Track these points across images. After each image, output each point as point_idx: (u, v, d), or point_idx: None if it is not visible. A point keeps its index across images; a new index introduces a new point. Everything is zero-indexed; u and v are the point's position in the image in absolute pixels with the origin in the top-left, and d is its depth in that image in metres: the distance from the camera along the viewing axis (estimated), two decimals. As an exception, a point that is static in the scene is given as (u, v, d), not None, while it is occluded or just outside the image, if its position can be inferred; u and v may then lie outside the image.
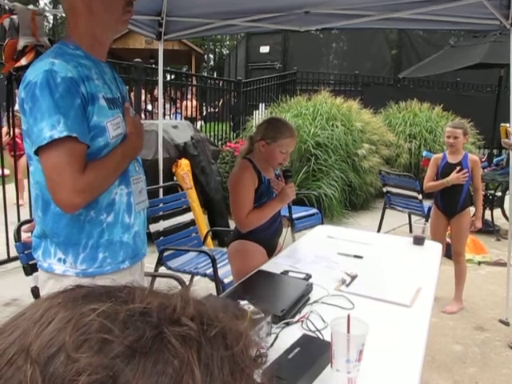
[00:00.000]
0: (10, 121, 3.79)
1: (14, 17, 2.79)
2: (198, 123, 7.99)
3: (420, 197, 4.92)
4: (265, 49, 13.31)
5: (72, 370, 0.29)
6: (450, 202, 3.58)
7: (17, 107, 4.44)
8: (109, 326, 0.32)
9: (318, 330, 1.49)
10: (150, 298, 0.36)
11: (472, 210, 3.65)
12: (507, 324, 3.41)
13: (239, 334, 0.37)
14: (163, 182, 4.23)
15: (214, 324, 0.35)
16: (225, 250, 3.65)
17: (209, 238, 4.23)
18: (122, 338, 0.31)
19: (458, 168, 3.51)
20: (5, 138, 4.63)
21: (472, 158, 3.58)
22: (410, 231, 5.48)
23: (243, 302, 1.49)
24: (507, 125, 3.14)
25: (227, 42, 28.25)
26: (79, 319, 0.32)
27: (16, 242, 2.13)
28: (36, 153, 1.33)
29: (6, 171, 4.89)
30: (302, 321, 1.56)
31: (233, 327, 0.37)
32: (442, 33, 12.04)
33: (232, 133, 8.26)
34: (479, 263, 4.72)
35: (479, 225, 3.62)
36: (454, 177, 3.49)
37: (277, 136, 2.21)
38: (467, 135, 3.60)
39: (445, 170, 3.58)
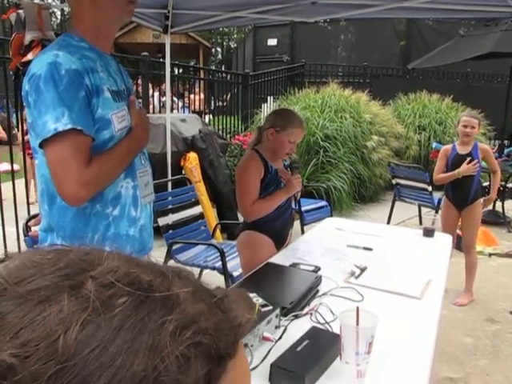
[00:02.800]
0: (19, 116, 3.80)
1: (21, 11, 2.79)
2: (207, 117, 7.97)
3: (430, 188, 4.88)
4: (272, 41, 13.23)
5: None
6: (462, 193, 3.55)
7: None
8: (15, 275, 0.34)
9: (326, 323, 1.48)
10: (91, 257, 0.36)
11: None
12: (519, 316, 3.39)
13: (169, 308, 0.34)
14: (171, 176, 4.23)
15: (128, 291, 0.33)
16: (234, 243, 3.65)
17: (218, 232, 4.22)
18: (19, 287, 0.33)
19: (468, 159, 3.46)
20: (26, 137, 4.67)
21: (482, 148, 3.55)
22: (420, 223, 5.45)
23: (252, 295, 1.49)
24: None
25: (235, 36, 28.12)
26: None
27: (25, 236, 2.13)
28: (41, 146, 1.33)
29: (16, 167, 4.91)
30: (311, 313, 1.55)
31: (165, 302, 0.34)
32: (451, 23, 11.87)
33: (241, 126, 8.24)
34: (490, 255, 4.67)
35: (489, 205, 3.77)
36: (464, 168, 3.45)
37: (286, 125, 2.21)
38: (480, 126, 3.59)
39: (455, 161, 3.53)
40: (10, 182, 4.00)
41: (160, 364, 0.31)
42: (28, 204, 4.10)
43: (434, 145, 6.69)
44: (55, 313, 0.31)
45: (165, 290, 0.35)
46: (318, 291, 1.74)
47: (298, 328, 1.43)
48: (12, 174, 3.92)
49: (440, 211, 3.97)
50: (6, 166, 6.59)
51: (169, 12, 3.61)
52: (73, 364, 0.29)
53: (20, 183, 4.28)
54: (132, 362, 0.30)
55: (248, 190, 2.22)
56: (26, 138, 4.68)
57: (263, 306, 1.43)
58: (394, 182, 5.46)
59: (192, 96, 7.67)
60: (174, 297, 0.35)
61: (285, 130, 2.21)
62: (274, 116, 2.32)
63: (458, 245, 3.94)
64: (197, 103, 7.66)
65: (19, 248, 4.00)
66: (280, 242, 2.37)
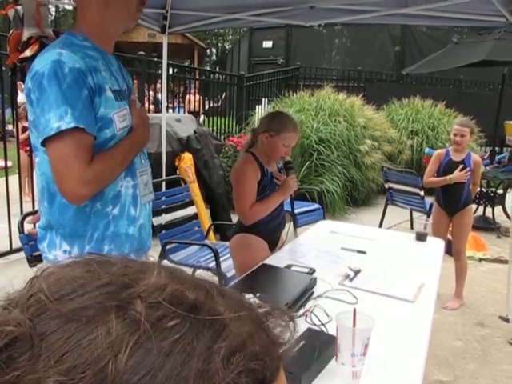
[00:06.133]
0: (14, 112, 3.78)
1: (19, 7, 2.78)
2: (201, 117, 7.98)
3: (422, 193, 4.92)
4: (268, 44, 13.27)
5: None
6: (452, 199, 3.58)
7: (19, 99, 4.43)
8: (54, 290, 0.32)
9: (322, 324, 1.50)
10: (133, 272, 0.34)
11: (474, 207, 3.65)
12: (507, 320, 3.43)
13: (219, 332, 0.32)
14: (166, 176, 4.23)
15: (187, 315, 0.32)
16: (227, 243, 3.65)
17: (211, 232, 4.23)
18: (60, 304, 0.31)
19: (461, 166, 3.50)
20: (23, 136, 4.70)
21: (475, 159, 3.57)
22: (412, 227, 5.50)
23: (248, 296, 1.50)
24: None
25: (230, 37, 28.15)
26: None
27: (20, 233, 2.12)
28: (43, 144, 1.33)
29: (10, 163, 4.90)
30: (307, 315, 1.57)
31: (214, 326, 0.32)
32: (445, 29, 11.99)
33: (235, 127, 8.26)
34: (480, 260, 4.72)
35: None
36: (457, 175, 3.48)
37: (281, 129, 2.21)
38: (473, 134, 3.60)
39: (448, 167, 3.57)
40: (3, 179, 3.98)
41: None
42: (21, 201, 4.08)
43: (427, 150, 6.74)
44: (103, 335, 0.29)
45: (211, 310, 0.33)
46: (312, 293, 1.76)
47: (293, 329, 1.44)
48: (6, 171, 3.90)
49: (431, 216, 4.00)
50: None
51: (167, 12, 3.62)
52: None
53: (13, 180, 4.26)
54: None
55: (246, 193, 2.22)
56: (23, 135, 4.66)
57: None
58: (386, 186, 5.50)
59: (187, 96, 7.67)
60: (220, 317, 0.33)
61: (279, 135, 2.21)
62: (268, 120, 2.29)
63: (449, 249, 3.98)
64: (192, 104, 7.66)
65: (11, 245, 3.99)
66: (273, 244, 2.38)
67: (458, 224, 3.62)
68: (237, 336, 0.32)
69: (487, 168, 6.11)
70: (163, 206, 3.54)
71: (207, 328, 0.32)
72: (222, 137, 7.55)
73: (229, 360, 0.31)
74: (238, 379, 0.31)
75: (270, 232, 2.36)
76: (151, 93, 6.96)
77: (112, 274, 0.34)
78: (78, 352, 0.28)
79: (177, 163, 4.70)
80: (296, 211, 4.56)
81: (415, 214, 5.44)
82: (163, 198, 3.62)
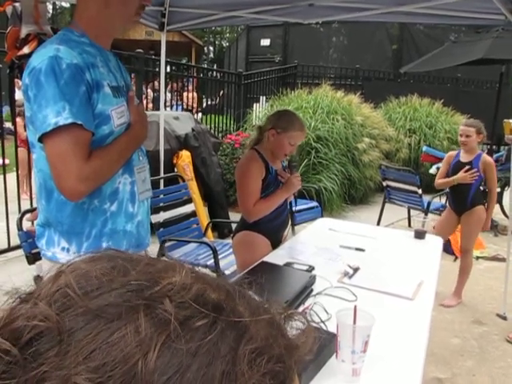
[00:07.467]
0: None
1: (17, 4, 2.77)
2: (198, 115, 7.97)
3: (420, 191, 4.93)
4: (265, 42, 13.26)
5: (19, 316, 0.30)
6: (459, 199, 3.60)
7: (16, 96, 4.42)
8: (81, 285, 0.32)
9: (322, 321, 1.50)
10: (165, 273, 0.34)
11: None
12: (504, 318, 3.44)
13: (249, 333, 0.32)
14: (164, 173, 4.22)
15: (211, 315, 0.32)
16: (225, 241, 3.66)
17: (209, 230, 4.23)
18: (87, 299, 0.31)
19: (466, 167, 3.49)
20: (24, 134, 4.67)
21: (485, 160, 3.52)
22: (409, 225, 5.51)
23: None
24: (511, 121, 3.13)
25: (227, 35, 28.13)
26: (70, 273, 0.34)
27: (19, 230, 2.12)
28: (40, 140, 1.32)
29: (6, 160, 4.88)
30: (306, 312, 1.57)
31: (240, 327, 0.32)
32: (442, 28, 11.98)
33: (233, 125, 8.24)
34: (477, 258, 4.73)
35: (487, 227, 3.65)
36: (460, 176, 3.49)
37: (288, 127, 2.23)
38: (481, 134, 3.53)
39: (455, 167, 3.58)
40: (1, 177, 3.97)
41: None
42: (19, 199, 4.07)
43: (425, 148, 6.76)
44: (131, 334, 0.29)
45: (232, 310, 0.33)
46: (312, 290, 1.76)
47: (293, 326, 1.44)
48: (4, 168, 3.89)
49: (430, 214, 4.01)
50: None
51: (165, 9, 3.61)
52: None
53: (10, 177, 4.24)
54: None
55: (250, 190, 2.23)
56: (25, 134, 4.64)
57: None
58: (384, 184, 5.50)
59: (185, 94, 7.66)
60: (241, 318, 0.33)
61: (286, 132, 2.23)
62: (276, 117, 2.32)
63: (446, 247, 3.99)
64: (190, 101, 7.65)
65: (9, 242, 3.97)
66: (276, 242, 2.39)
67: (465, 223, 3.62)
68: (262, 338, 0.33)
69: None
70: (161, 204, 3.54)
71: (230, 329, 0.32)
72: (220, 135, 7.54)
73: (255, 361, 0.31)
74: (263, 381, 0.31)
75: (273, 230, 2.37)
76: (149, 91, 6.94)
77: (138, 272, 0.33)
78: (107, 350, 0.28)
79: (175, 161, 4.69)
80: (294, 209, 4.57)
81: (413, 212, 5.45)
82: (161, 196, 3.62)
